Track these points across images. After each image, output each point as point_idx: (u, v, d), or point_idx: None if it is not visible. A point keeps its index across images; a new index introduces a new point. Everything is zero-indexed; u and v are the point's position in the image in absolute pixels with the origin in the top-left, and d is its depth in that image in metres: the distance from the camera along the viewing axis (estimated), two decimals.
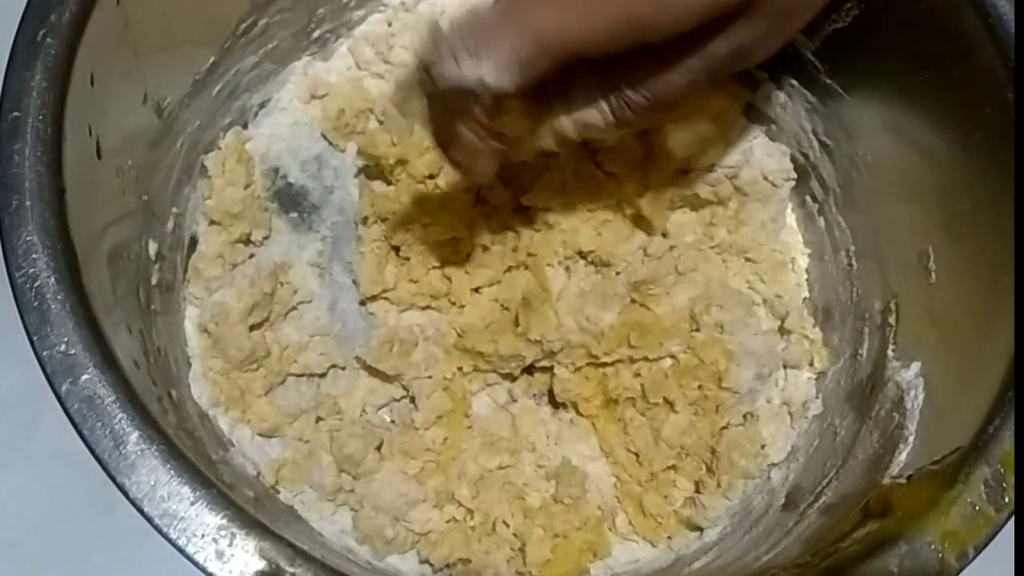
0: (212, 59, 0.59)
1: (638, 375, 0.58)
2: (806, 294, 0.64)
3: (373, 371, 0.59)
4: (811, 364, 0.61)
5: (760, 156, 0.63)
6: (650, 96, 0.46)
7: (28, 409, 0.59)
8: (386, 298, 0.61)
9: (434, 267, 0.61)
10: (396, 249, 0.61)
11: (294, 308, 0.61)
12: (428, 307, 0.61)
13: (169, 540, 0.40)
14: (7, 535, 0.59)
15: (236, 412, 0.57)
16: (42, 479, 0.60)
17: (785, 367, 0.61)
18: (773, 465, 0.59)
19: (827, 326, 0.62)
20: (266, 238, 0.62)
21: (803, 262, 0.64)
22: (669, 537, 0.57)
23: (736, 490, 0.58)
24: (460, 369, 0.59)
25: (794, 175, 0.63)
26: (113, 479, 0.41)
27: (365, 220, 0.61)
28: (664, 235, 0.61)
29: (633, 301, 0.59)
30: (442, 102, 0.44)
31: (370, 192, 0.61)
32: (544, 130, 0.48)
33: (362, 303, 0.62)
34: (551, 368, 0.59)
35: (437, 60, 0.40)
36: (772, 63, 0.62)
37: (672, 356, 0.59)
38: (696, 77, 0.45)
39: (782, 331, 0.62)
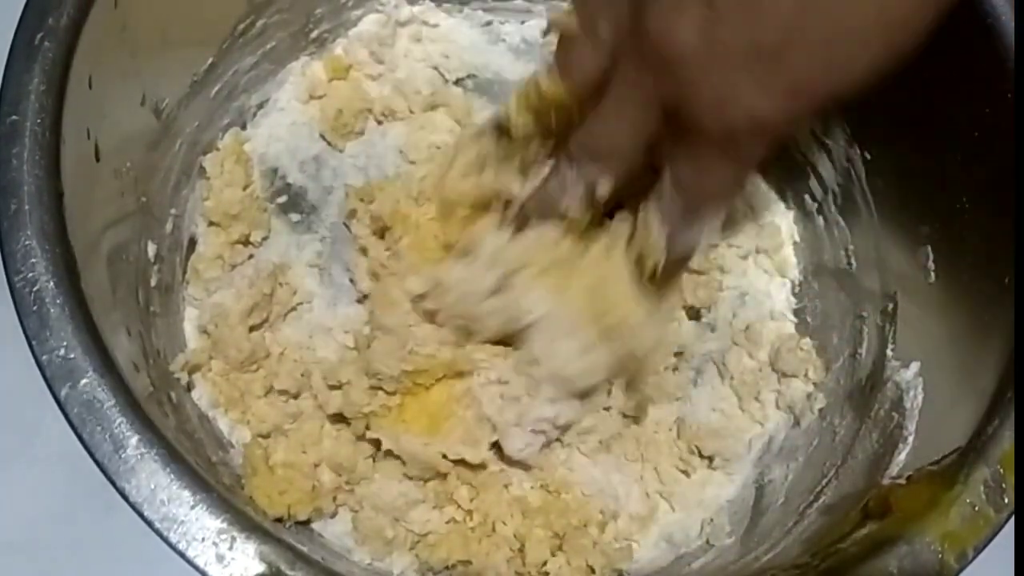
0: (210, 60, 0.59)
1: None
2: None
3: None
4: (806, 375, 0.61)
5: None
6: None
7: (28, 410, 0.59)
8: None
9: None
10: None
11: (293, 309, 0.61)
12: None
13: (169, 544, 0.40)
14: (7, 535, 0.59)
15: (236, 413, 0.57)
16: (42, 480, 0.60)
17: (784, 375, 0.61)
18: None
19: (826, 325, 0.62)
20: (265, 239, 0.62)
21: (802, 261, 0.65)
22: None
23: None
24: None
25: None
26: (113, 483, 0.41)
27: (353, 213, 0.61)
28: None
29: None
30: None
31: (354, 191, 0.61)
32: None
33: (360, 302, 0.62)
34: None
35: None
36: None
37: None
38: None
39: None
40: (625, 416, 0.59)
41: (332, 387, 0.56)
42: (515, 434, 0.54)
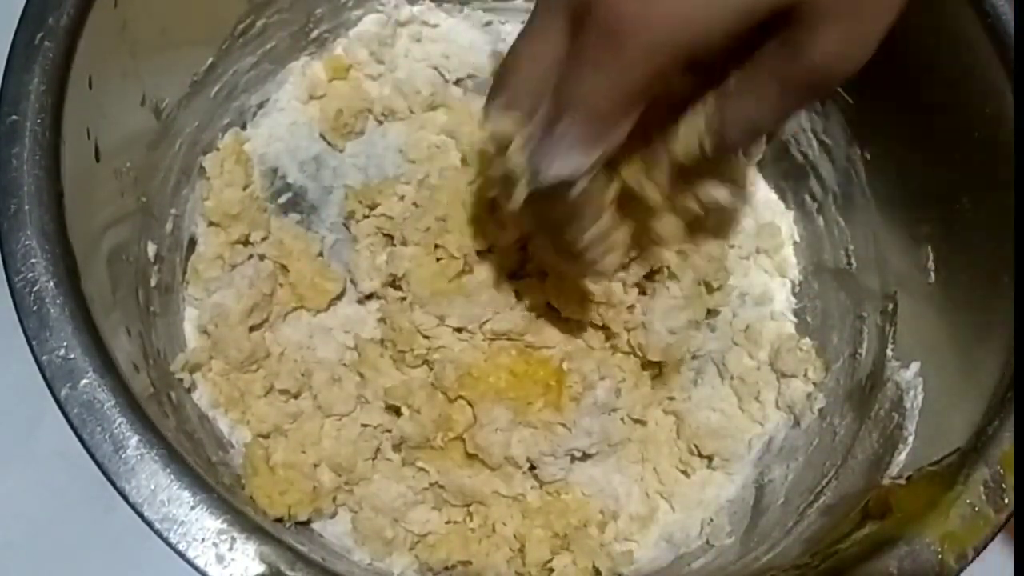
0: (210, 60, 0.59)
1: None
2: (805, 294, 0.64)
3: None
4: (806, 375, 0.61)
5: None
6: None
7: (28, 409, 0.59)
8: (383, 297, 0.61)
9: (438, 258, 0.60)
10: (390, 237, 0.60)
11: (293, 309, 0.61)
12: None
13: (170, 544, 0.40)
14: (7, 535, 0.59)
15: (236, 413, 0.57)
16: (42, 479, 0.60)
17: (784, 375, 0.61)
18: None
19: (826, 325, 0.62)
20: (265, 239, 0.62)
21: (802, 261, 0.65)
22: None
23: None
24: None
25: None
26: (113, 483, 0.41)
27: (352, 214, 0.61)
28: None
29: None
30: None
31: (352, 192, 0.62)
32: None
33: (360, 302, 0.62)
34: None
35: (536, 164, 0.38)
36: None
37: None
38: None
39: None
40: (633, 421, 0.59)
41: (390, 406, 0.57)
42: None
